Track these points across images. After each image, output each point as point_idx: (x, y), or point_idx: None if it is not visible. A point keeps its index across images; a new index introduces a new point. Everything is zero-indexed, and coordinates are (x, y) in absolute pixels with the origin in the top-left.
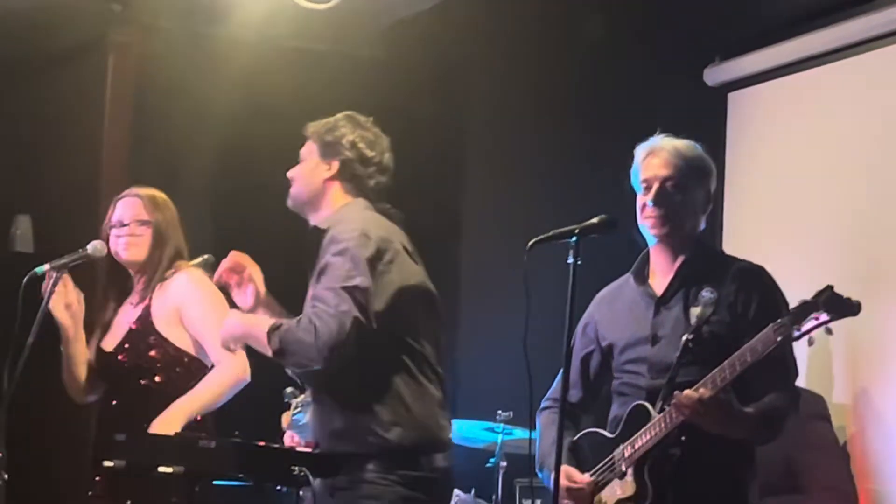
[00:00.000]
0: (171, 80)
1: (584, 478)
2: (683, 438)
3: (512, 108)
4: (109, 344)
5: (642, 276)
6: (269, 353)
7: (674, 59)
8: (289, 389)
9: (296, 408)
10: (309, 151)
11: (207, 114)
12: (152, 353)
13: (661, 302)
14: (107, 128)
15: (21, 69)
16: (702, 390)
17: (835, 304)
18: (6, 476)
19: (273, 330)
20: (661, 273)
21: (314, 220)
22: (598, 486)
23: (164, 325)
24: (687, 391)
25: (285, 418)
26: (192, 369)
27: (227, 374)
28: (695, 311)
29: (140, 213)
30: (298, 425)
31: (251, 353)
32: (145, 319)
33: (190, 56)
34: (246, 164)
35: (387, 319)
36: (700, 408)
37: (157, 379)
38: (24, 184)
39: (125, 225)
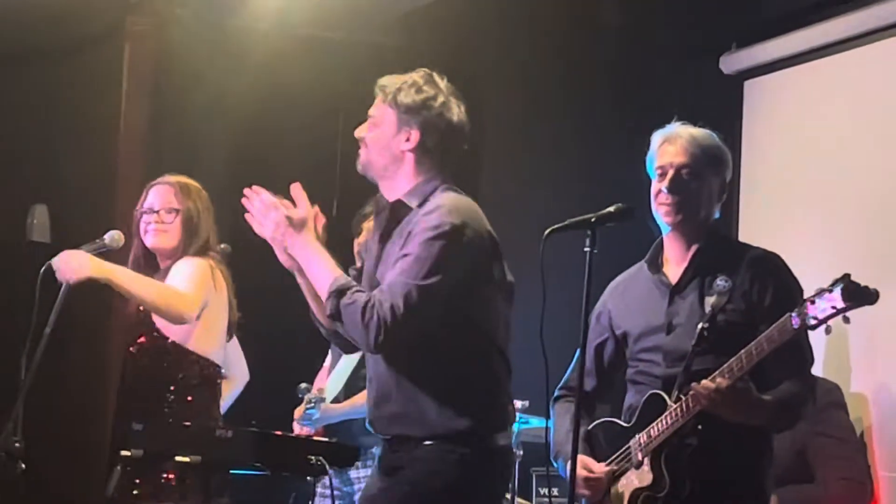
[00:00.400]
0: (187, 69)
1: (601, 467)
2: (700, 427)
3: (528, 96)
4: (133, 331)
5: (656, 265)
6: (322, 301)
7: (690, 47)
8: (303, 385)
9: (308, 403)
10: (383, 114)
11: (224, 102)
12: (143, 341)
13: (676, 290)
14: (124, 117)
15: (38, 58)
16: (719, 380)
17: (852, 293)
18: (23, 465)
19: (336, 293)
20: (676, 261)
21: (389, 191)
22: (614, 476)
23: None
24: (704, 381)
25: (298, 412)
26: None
27: (172, 294)
28: (709, 300)
29: (171, 201)
30: (312, 419)
31: (261, 351)
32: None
33: (207, 44)
34: (263, 152)
35: (469, 309)
36: (718, 397)
37: (143, 368)
38: (41, 173)
39: (155, 212)
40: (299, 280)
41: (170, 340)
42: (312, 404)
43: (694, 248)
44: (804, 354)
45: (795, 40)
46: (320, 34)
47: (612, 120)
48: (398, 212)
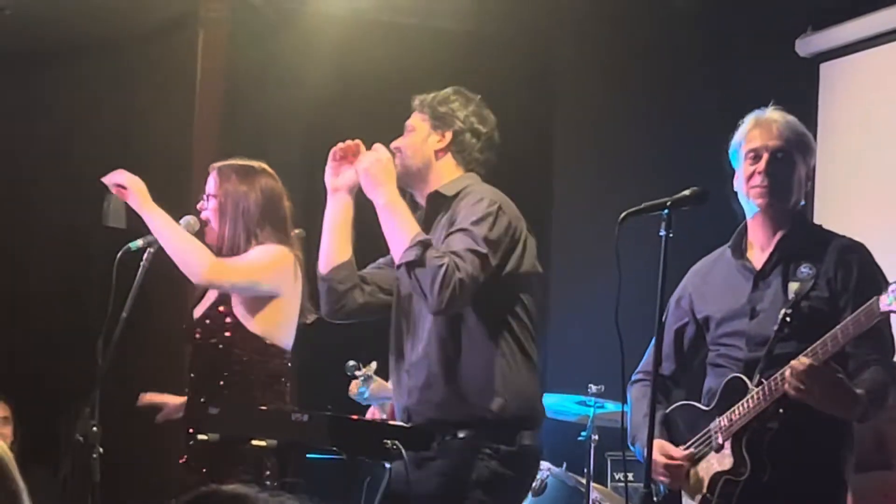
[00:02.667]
0: (261, 55)
1: (681, 452)
2: (781, 411)
3: (602, 81)
4: (198, 311)
5: (740, 250)
6: (398, 258)
7: (765, 30)
8: (350, 363)
9: (360, 381)
10: (418, 122)
11: (297, 88)
12: (227, 333)
13: (760, 276)
14: (198, 103)
15: (113, 46)
16: (804, 359)
17: None
18: (101, 450)
19: (421, 244)
20: (760, 247)
21: (420, 191)
22: (693, 460)
23: (240, 305)
24: (800, 357)
25: (352, 387)
26: (268, 354)
27: (196, 251)
28: (793, 286)
29: (211, 187)
30: (363, 397)
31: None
32: (223, 297)
33: (280, 31)
34: (336, 138)
35: (503, 294)
36: (807, 378)
37: (230, 360)
38: (116, 159)
39: (205, 197)
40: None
41: (247, 329)
42: (362, 382)
43: (780, 233)
44: (887, 342)
45: (872, 22)
46: (392, 20)
47: (689, 104)
48: (435, 204)
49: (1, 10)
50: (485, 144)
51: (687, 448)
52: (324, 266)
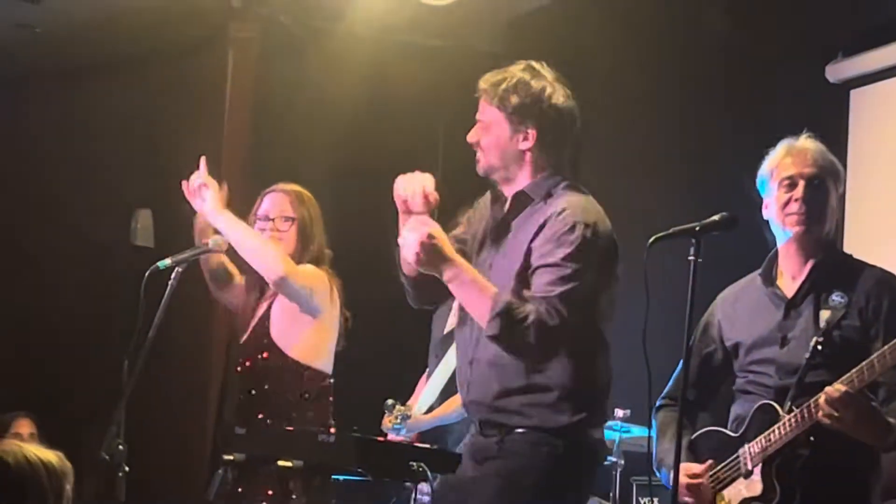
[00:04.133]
0: (290, 75)
1: (702, 467)
2: (812, 438)
3: (630, 103)
4: (242, 337)
5: (770, 277)
6: (482, 323)
7: (795, 56)
8: (389, 401)
9: (395, 418)
10: (495, 117)
11: (327, 108)
12: (264, 355)
13: (792, 304)
14: (227, 122)
15: (142, 65)
16: (839, 386)
17: None
18: (127, 468)
19: (501, 314)
20: (791, 275)
21: (508, 187)
22: (720, 484)
23: (277, 329)
24: (835, 384)
25: (386, 422)
26: (303, 377)
27: (276, 254)
28: (824, 315)
29: (286, 209)
30: (398, 434)
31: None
32: (264, 321)
33: (309, 51)
34: (366, 158)
35: (594, 308)
36: (841, 405)
37: (265, 386)
38: (145, 178)
39: (271, 219)
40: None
41: (289, 358)
42: (399, 421)
43: (812, 261)
44: None
45: None
46: (422, 41)
47: (718, 129)
48: (520, 203)
49: (31, 28)
50: (571, 134)
51: (712, 475)
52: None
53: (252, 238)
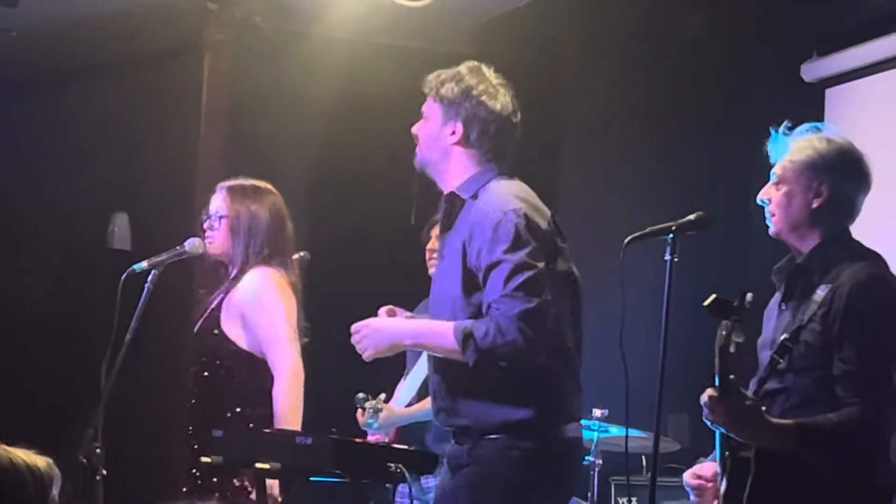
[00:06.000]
0: (266, 78)
1: (710, 471)
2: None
3: (608, 105)
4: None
5: (779, 277)
6: (458, 356)
7: (771, 55)
8: (360, 395)
9: (368, 413)
10: (430, 109)
11: (303, 110)
12: (212, 344)
13: (781, 304)
14: (203, 125)
15: (118, 68)
16: (710, 391)
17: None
18: (104, 471)
19: (467, 339)
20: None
21: (444, 185)
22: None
23: (228, 321)
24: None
25: (360, 418)
26: (252, 366)
27: (288, 393)
28: (797, 316)
29: (220, 207)
30: (372, 429)
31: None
32: (214, 312)
33: (285, 54)
34: (341, 160)
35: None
36: (711, 406)
37: (219, 372)
38: (122, 182)
39: (208, 217)
40: None
41: (236, 345)
42: (371, 415)
43: (795, 262)
44: (872, 380)
45: (878, 47)
46: (398, 43)
47: (694, 129)
48: (454, 204)
49: (7, 32)
50: (501, 129)
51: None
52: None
53: (292, 407)
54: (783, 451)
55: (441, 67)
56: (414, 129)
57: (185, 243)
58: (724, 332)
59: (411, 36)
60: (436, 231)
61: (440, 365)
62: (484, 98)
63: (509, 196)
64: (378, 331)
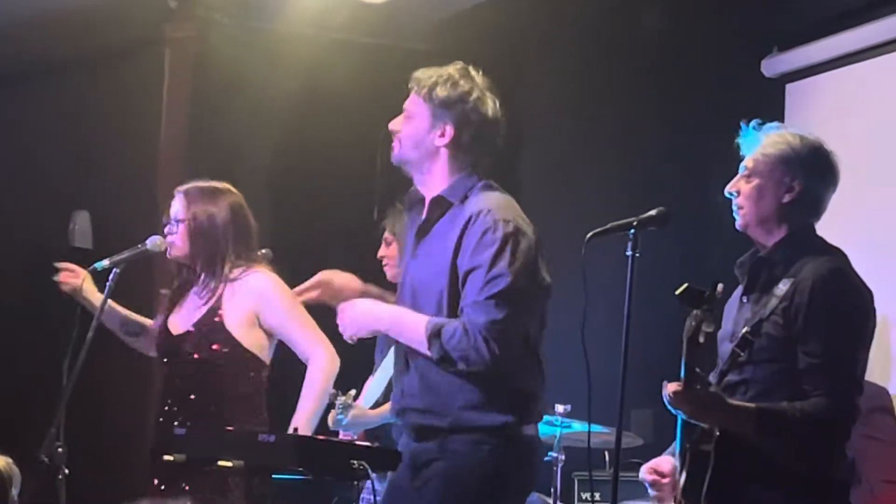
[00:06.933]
0: (228, 75)
1: (668, 466)
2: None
3: (568, 101)
4: (176, 328)
5: (742, 270)
6: (424, 351)
7: (731, 51)
8: (331, 391)
9: (338, 409)
10: (418, 108)
11: (265, 108)
12: (217, 348)
13: (743, 297)
14: (164, 123)
15: (78, 65)
16: (674, 385)
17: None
18: (66, 471)
19: (434, 336)
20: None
21: (425, 186)
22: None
23: (236, 325)
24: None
25: (330, 417)
26: (252, 367)
27: (326, 370)
28: (758, 309)
29: (178, 211)
30: (341, 425)
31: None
32: (213, 316)
33: (247, 51)
34: (304, 157)
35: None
36: (676, 401)
37: (222, 375)
38: (83, 179)
39: (168, 222)
40: None
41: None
42: (341, 410)
43: (758, 255)
44: (840, 371)
45: (837, 43)
46: (359, 39)
47: (654, 124)
48: (439, 207)
49: None
50: (489, 137)
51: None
52: None
53: (318, 393)
54: (744, 434)
55: (403, 63)
56: (394, 125)
57: (147, 241)
58: (693, 323)
59: (374, 32)
60: (389, 237)
61: (417, 365)
62: (478, 104)
63: (502, 207)
64: (364, 314)
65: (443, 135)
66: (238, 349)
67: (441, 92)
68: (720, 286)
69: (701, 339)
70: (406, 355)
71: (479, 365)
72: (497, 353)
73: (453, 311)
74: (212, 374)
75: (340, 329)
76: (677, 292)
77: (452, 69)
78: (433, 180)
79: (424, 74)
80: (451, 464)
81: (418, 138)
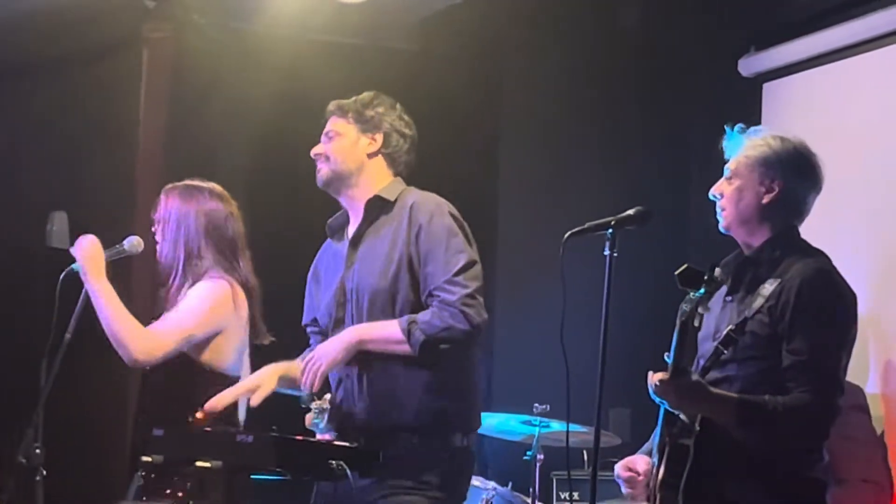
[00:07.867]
0: (205, 75)
1: (643, 466)
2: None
3: (548, 100)
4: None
5: (726, 271)
6: (408, 351)
7: (708, 49)
8: (305, 394)
9: (314, 413)
10: (342, 127)
11: (243, 109)
12: (185, 351)
13: (727, 297)
14: (142, 124)
15: (56, 66)
16: (660, 375)
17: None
18: (44, 472)
19: (412, 322)
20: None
21: (354, 200)
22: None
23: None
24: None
25: (308, 419)
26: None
27: (135, 336)
28: (743, 309)
29: (157, 211)
30: (318, 429)
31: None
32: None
33: (225, 51)
34: (282, 158)
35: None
36: (661, 391)
37: (193, 376)
38: (60, 180)
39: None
40: None
41: (191, 357)
42: (316, 414)
43: (743, 256)
44: (818, 367)
45: (814, 42)
46: (339, 40)
47: (632, 123)
48: (375, 208)
49: None
50: (410, 146)
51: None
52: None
53: (113, 319)
54: (724, 424)
55: (382, 63)
56: (316, 150)
57: (125, 242)
58: (688, 307)
59: (352, 32)
60: None
61: (363, 369)
62: (401, 116)
63: (439, 199)
64: (325, 347)
65: (371, 142)
66: (189, 361)
67: (365, 108)
68: (718, 270)
69: (696, 324)
70: (345, 368)
71: (462, 337)
72: (476, 320)
73: (409, 305)
74: (183, 375)
75: (314, 371)
76: (677, 273)
77: (367, 94)
78: (365, 189)
79: (342, 101)
80: (398, 467)
81: (348, 150)
